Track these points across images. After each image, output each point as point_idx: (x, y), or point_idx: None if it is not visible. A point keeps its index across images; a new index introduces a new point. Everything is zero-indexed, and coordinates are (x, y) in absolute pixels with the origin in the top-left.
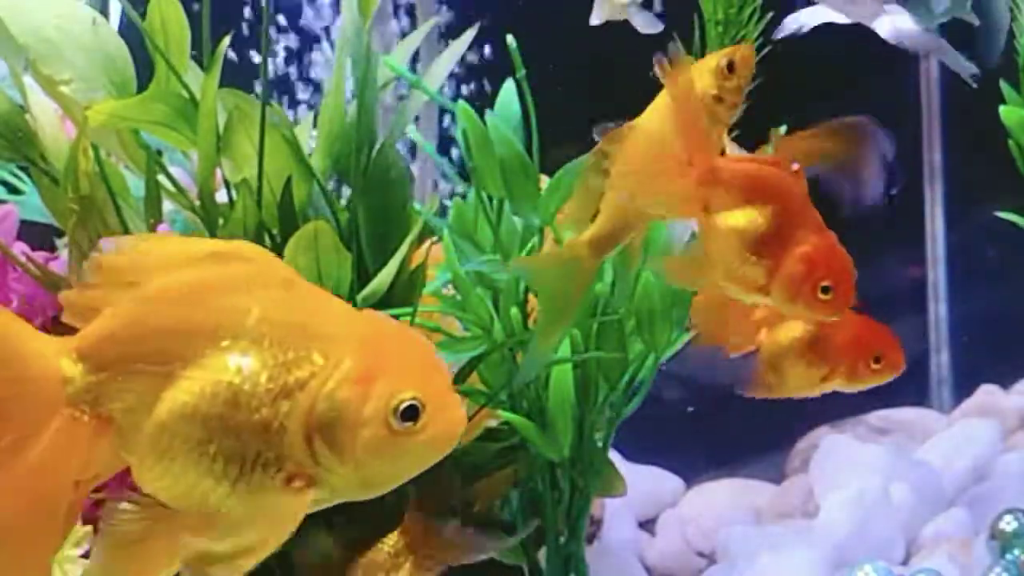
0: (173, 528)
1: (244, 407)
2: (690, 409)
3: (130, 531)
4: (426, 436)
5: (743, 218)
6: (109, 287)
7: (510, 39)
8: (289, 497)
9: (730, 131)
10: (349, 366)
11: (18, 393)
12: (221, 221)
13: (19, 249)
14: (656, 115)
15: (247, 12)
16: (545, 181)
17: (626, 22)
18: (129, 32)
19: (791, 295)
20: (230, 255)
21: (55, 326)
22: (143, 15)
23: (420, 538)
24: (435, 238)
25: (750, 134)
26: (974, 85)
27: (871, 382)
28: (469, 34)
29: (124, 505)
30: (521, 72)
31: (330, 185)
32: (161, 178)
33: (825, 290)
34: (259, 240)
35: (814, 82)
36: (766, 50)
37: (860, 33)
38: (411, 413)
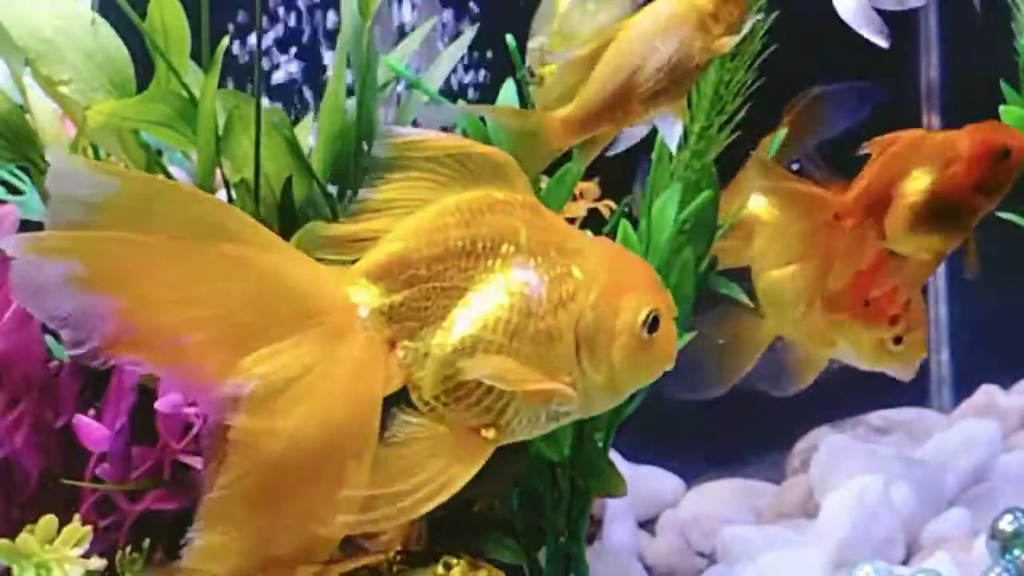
0: (446, 442)
1: (535, 316)
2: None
3: (412, 441)
4: (661, 347)
5: (916, 187)
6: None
7: (509, 39)
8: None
9: (733, 130)
10: (603, 281)
11: (313, 325)
12: None
13: None
14: (650, 16)
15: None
16: (545, 181)
17: None
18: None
19: (1000, 184)
20: (483, 157)
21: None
22: (143, 15)
23: None
24: None
25: (750, 136)
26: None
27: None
28: (469, 34)
29: (407, 418)
30: (521, 72)
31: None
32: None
33: (1006, 154)
34: None
35: (814, 83)
36: (769, 51)
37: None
38: (654, 325)
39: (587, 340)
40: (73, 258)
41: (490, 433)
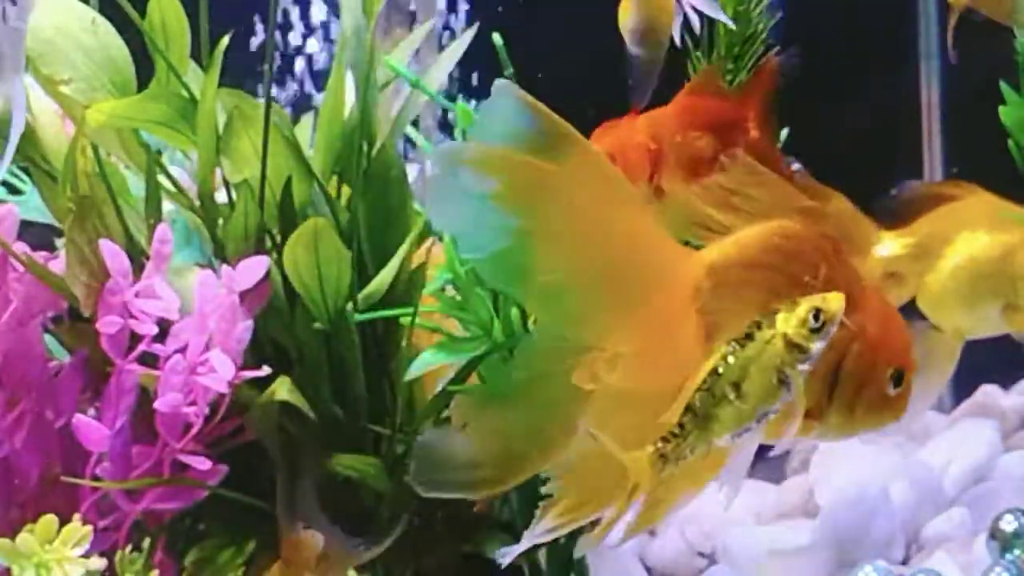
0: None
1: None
2: None
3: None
4: (898, 403)
5: None
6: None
7: (496, 38)
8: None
9: None
10: (869, 332)
11: (666, 296)
12: (221, 221)
13: (19, 249)
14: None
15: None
16: None
17: None
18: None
19: None
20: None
21: (55, 325)
22: (143, 15)
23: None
24: (435, 238)
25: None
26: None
27: None
28: (469, 34)
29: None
30: (509, 71)
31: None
32: (161, 178)
33: None
34: (259, 241)
35: (814, 83)
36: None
37: (861, 34)
38: (899, 382)
39: (841, 383)
40: (490, 173)
41: None
